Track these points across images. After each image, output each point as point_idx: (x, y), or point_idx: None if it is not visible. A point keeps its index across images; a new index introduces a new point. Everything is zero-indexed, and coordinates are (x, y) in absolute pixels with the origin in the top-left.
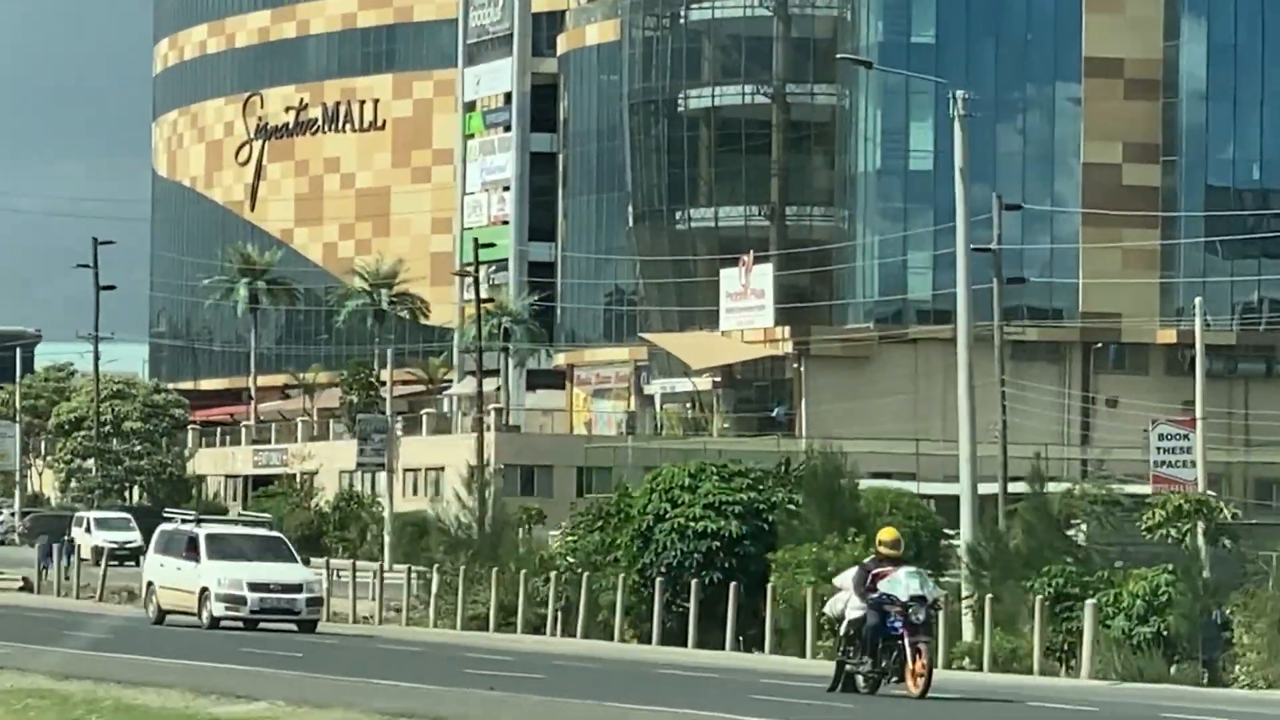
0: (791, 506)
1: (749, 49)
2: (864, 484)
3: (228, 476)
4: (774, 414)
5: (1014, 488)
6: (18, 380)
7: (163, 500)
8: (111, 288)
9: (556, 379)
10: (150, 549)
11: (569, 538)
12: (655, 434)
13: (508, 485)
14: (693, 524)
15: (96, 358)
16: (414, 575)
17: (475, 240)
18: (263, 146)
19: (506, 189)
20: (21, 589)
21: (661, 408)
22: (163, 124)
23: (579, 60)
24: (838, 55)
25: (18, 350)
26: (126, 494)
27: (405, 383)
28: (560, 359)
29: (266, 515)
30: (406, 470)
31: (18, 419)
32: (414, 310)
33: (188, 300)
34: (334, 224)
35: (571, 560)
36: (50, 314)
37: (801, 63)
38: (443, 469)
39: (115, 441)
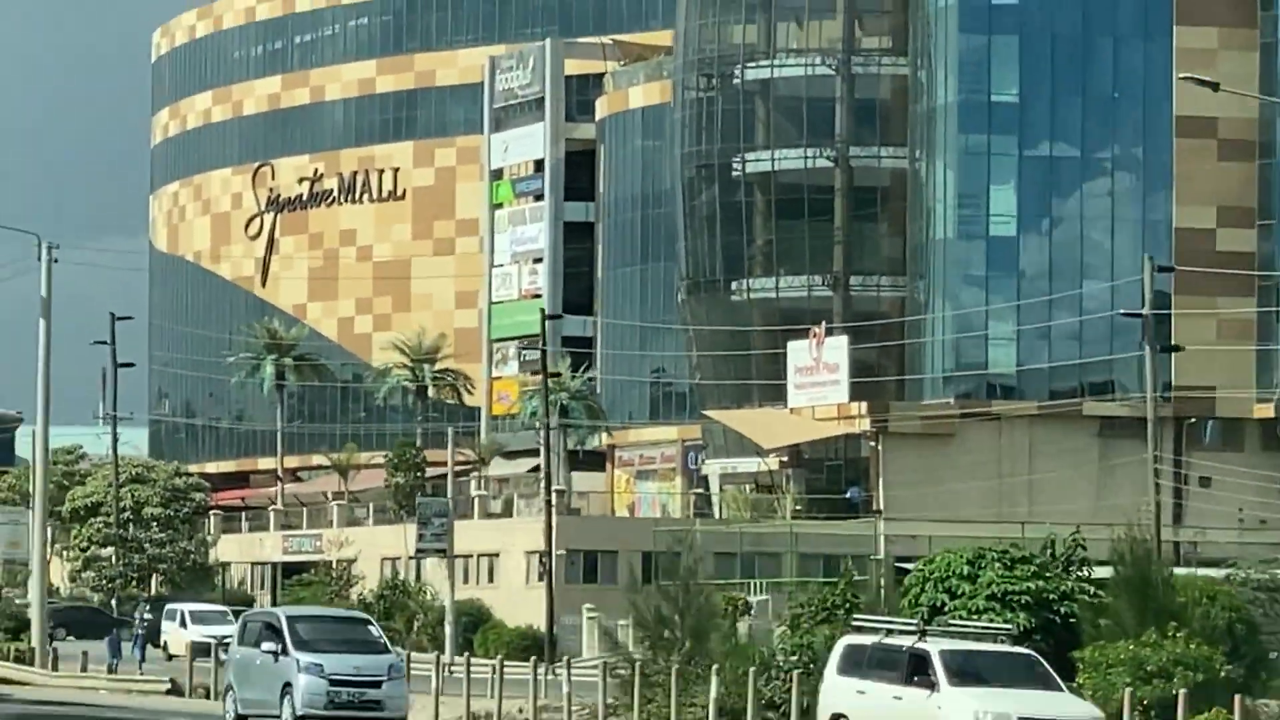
0: (1085, 597)
1: (810, 110)
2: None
3: (254, 564)
4: (850, 496)
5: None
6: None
7: (184, 590)
8: (130, 365)
9: (594, 460)
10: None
11: (792, 630)
12: (716, 517)
13: (569, 572)
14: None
15: (115, 439)
16: (608, 672)
17: (542, 311)
18: (274, 219)
19: (538, 260)
20: (169, 692)
21: (721, 489)
22: (162, 196)
23: (619, 125)
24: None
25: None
26: (147, 583)
27: (459, 464)
28: (601, 438)
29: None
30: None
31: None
32: (456, 387)
33: (192, 378)
34: (350, 299)
35: (797, 657)
36: (28, 396)
37: (865, 124)
38: (497, 555)
39: (133, 528)
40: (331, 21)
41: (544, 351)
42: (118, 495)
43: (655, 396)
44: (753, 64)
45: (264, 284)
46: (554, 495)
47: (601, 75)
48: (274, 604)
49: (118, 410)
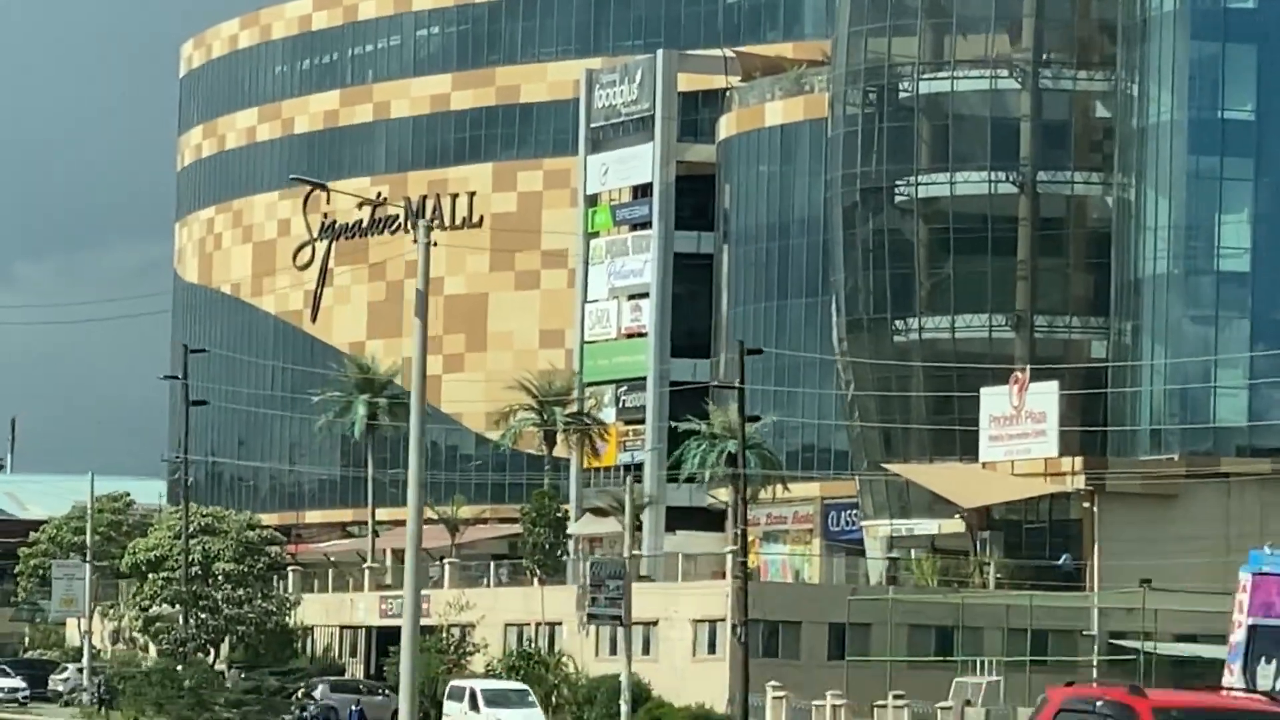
0: None
1: (993, 129)
2: None
3: (344, 628)
4: (1061, 564)
5: None
6: (90, 514)
7: (264, 656)
8: (203, 403)
9: (702, 519)
10: None
11: None
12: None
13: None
14: None
15: (186, 485)
16: None
17: (740, 344)
18: (328, 247)
19: (643, 295)
20: None
21: (890, 553)
22: (191, 223)
23: (747, 145)
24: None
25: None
26: (217, 648)
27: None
28: (721, 494)
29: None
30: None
31: (89, 557)
32: (590, 435)
33: (224, 422)
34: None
35: None
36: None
37: (1055, 146)
38: (655, 623)
39: (201, 584)
40: (399, 31)
41: (741, 391)
42: (187, 549)
43: (794, 448)
44: (927, 75)
45: (314, 319)
46: (729, 559)
47: (719, 91)
48: (370, 673)
49: (186, 453)
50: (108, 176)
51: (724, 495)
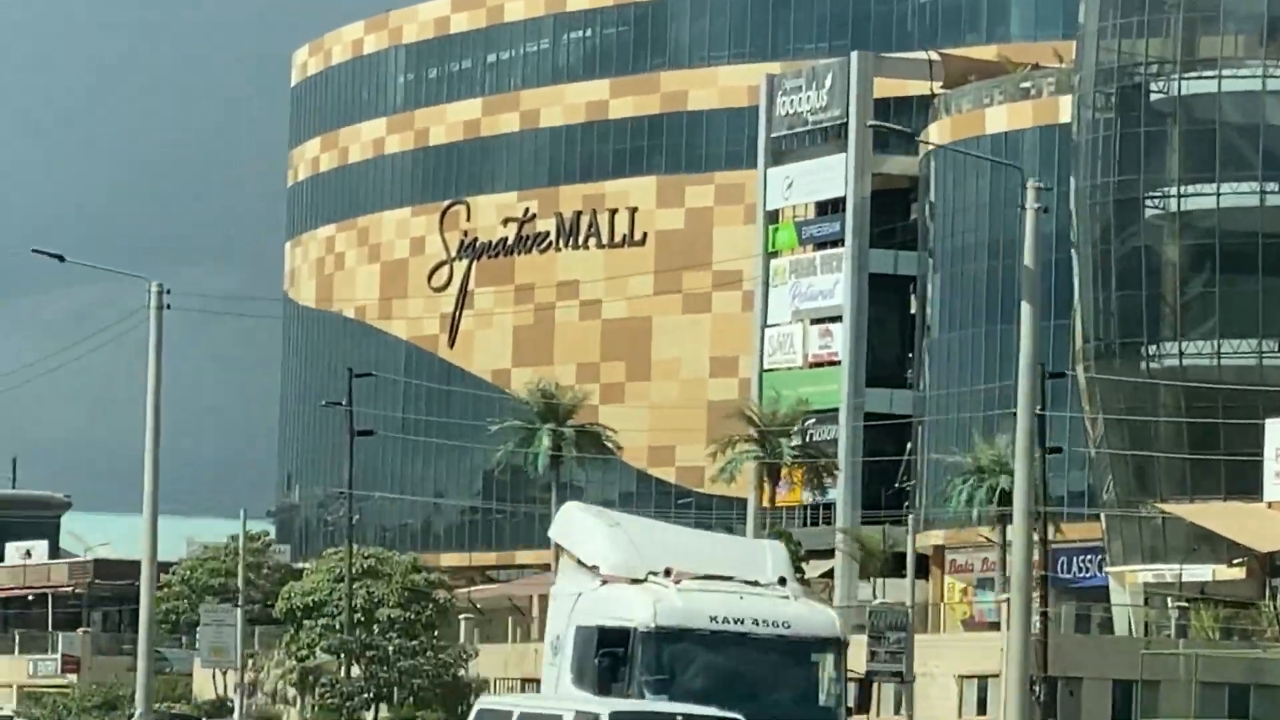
0: None
1: (1266, 135)
2: None
3: (525, 681)
4: None
5: None
6: (242, 554)
7: (435, 714)
8: (370, 433)
9: (893, 563)
10: None
11: None
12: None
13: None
14: None
15: (350, 523)
16: None
17: (1042, 367)
18: (468, 267)
19: (833, 320)
20: None
21: (1149, 601)
22: (306, 242)
23: (957, 155)
24: None
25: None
26: (387, 703)
27: None
28: (936, 537)
29: None
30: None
31: (240, 603)
32: (819, 470)
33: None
34: (570, 364)
35: None
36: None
37: None
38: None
39: (362, 633)
40: (548, 34)
41: (1041, 418)
42: (350, 592)
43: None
44: (1189, 74)
45: (452, 344)
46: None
47: (916, 99)
48: None
49: (351, 486)
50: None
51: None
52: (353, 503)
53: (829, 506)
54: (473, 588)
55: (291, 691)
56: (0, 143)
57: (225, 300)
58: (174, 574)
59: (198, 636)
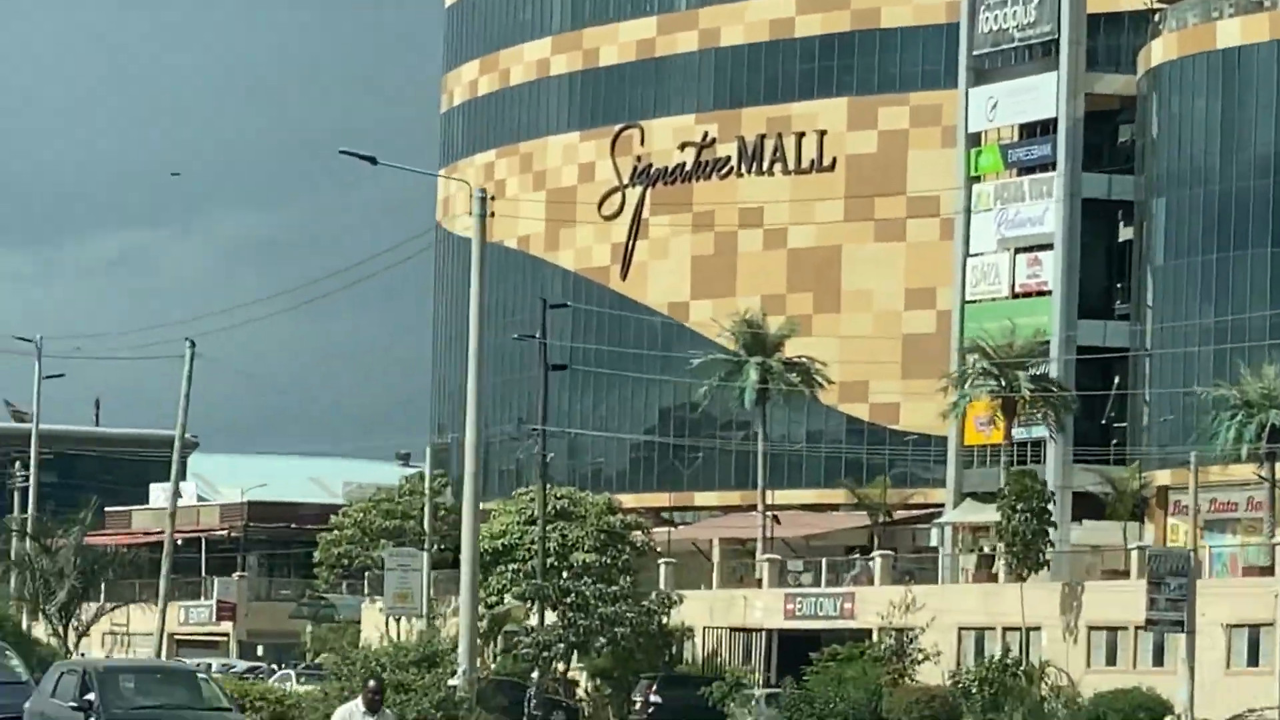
0: None
1: None
2: None
3: (734, 630)
4: None
5: None
6: (429, 494)
7: (639, 662)
8: (563, 367)
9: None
10: None
11: None
12: None
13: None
14: None
15: (544, 462)
16: None
17: None
18: (642, 194)
19: (1042, 248)
20: None
21: None
22: (463, 169)
23: (1182, 73)
24: None
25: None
26: (584, 653)
27: (912, 506)
28: (1163, 476)
29: None
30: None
31: (428, 547)
32: (1056, 406)
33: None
34: (754, 295)
35: None
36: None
37: None
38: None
39: (559, 578)
40: None
41: None
42: (544, 535)
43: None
44: None
45: (624, 275)
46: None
47: (1129, 14)
48: (770, 681)
49: (544, 423)
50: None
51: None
52: (545, 440)
53: (1037, 445)
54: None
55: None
56: (149, 62)
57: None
58: (345, 516)
59: (382, 582)
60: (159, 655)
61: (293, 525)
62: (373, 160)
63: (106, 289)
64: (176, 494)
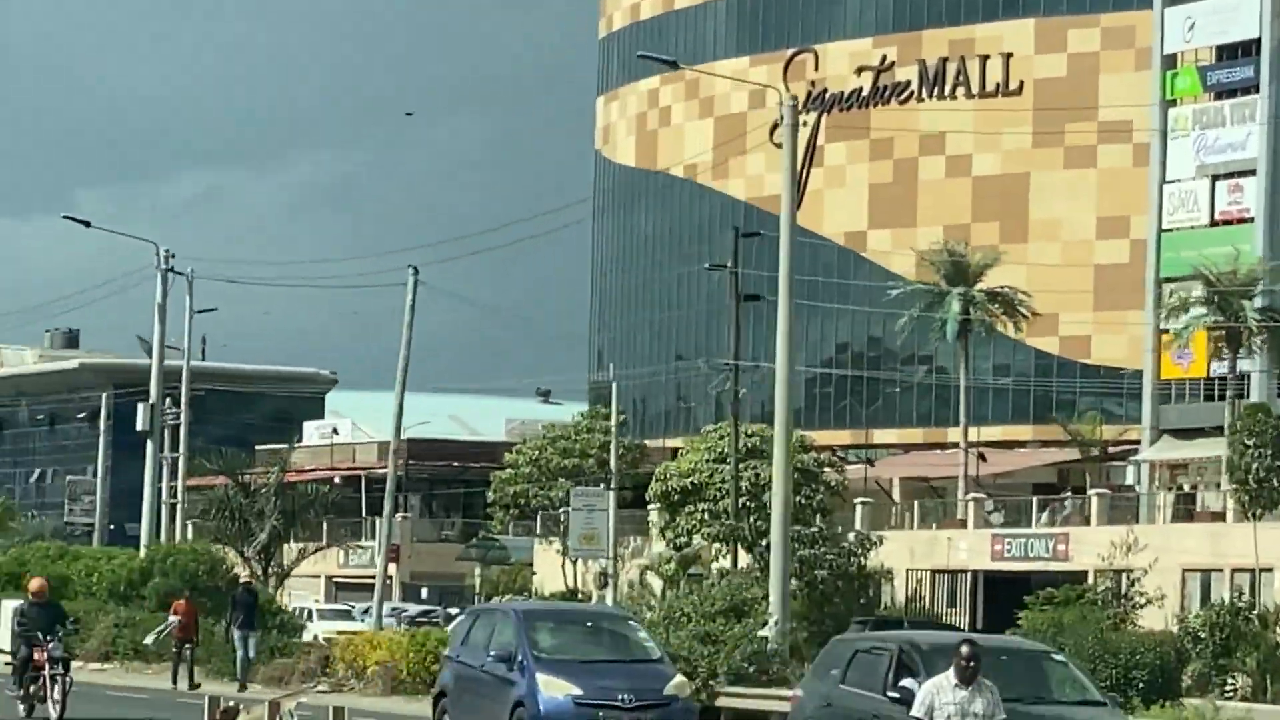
0: None
1: None
2: None
3: (938, 572)
4: None
5: None
6: (615, 432)
7: (836, 605)
8: (756, 298)
9: None
10: None
11: None
12: None
13: None
14: None
15: (736, 397)
16: None
17: None
18: (817, 121)
19: (1245, 174)
20: None
21: None
22: (624, 96)
23: None
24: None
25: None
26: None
27: (1114, 443)
28: None
29: None
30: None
31: (613, 486)
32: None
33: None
34: (934, 226)
35: None
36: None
37: None
38: None
39: (752, 518)
40: None
41: None
42: (736, 474)
43: None
44: None
45: (798, 205)
46: None
47: None
48: (975, 625)
49: (738, 355)
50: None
51: None
52: (738, 375)
53: (1240, 379)
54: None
55: (657, 582)
56: None
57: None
58: (519, 454)
59: (557, 522)
60: (378, 599)
61: (454, 464)
62: (674, 65)
63: (193, 227)
64: (399, 430)
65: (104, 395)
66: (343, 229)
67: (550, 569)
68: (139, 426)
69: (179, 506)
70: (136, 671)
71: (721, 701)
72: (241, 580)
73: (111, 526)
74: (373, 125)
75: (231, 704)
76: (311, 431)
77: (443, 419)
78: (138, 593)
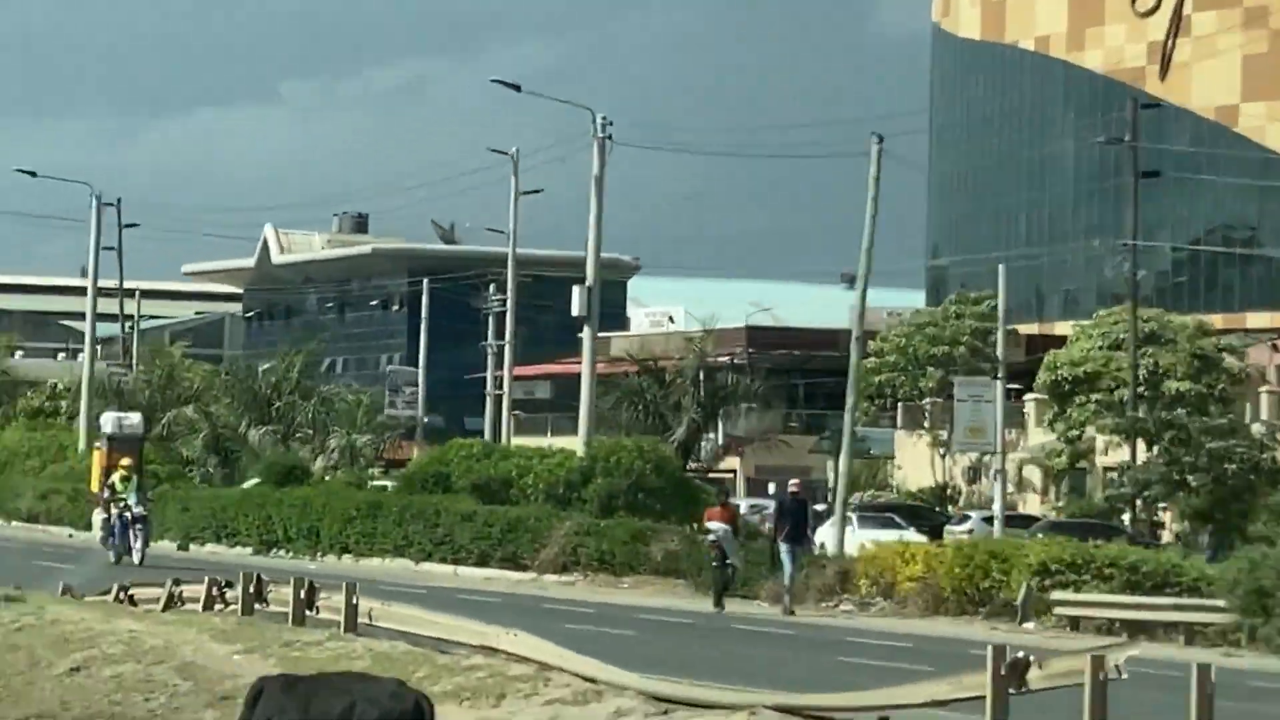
0: None
1: None
2: None
3: None
4: None
5: None
6: (1004, 314)
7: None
8: (1156, 174)
9: None
10: None
11: None
12: None
13: None
14: None
15: (1134, 280)
16: None
17: None
18: None
19: None
20: None
21: None
22: None
23: None
24: None
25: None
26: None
27: None
28: None
29: None
30: None
31: (1001, 376)
32: None
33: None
34: None
35: None
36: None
37: None
38: None
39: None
40: None
41: None
42: (1135, 361)
43: None
44: None
45: (1163, 77)
46: None
47: None
48: None
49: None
50: None
51: None
52: (1136, 256)
53: None
54: None
55: (1036, 477)
56: None
57: None
58: (884, 342)
59: (924, 413)
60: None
61: (795, 352)
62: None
63: (392, 120)
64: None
65: (419, 282)
66: None
67: (916, 463)
68: (575, 312)
69: (504, 399)
70: (609, 586)
71: None
72: (790, 486)
73: (425, 420)
74: None
75: (1021, 654)
76: (640, 319)
77: (743, 305)
78: (578, 494)
